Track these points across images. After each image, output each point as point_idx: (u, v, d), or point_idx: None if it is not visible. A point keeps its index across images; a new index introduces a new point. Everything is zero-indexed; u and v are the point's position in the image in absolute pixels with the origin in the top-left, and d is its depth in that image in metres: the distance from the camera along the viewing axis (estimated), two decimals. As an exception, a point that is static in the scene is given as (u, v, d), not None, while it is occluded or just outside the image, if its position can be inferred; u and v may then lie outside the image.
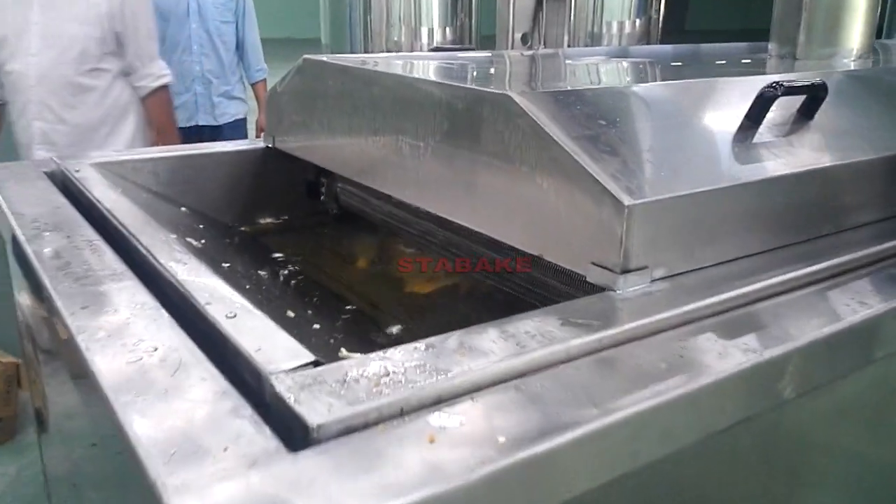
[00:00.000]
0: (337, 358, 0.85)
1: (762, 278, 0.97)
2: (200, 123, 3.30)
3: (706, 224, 0.99)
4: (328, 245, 1.54)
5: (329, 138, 1.47)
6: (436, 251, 1.36)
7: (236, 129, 3.43)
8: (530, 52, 2.10)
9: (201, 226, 1.44)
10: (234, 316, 0.82)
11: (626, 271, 0.91)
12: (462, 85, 1.12)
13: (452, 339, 0.78)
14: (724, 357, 0.79)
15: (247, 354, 0.74)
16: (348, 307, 1.16)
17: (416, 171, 1.22)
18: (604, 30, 3.75)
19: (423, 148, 1.19)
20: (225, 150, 1.69)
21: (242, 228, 1.66)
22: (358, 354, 0.85)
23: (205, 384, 0.72)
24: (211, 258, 1.11)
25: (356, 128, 1.37)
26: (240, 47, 3.39)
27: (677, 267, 0.97)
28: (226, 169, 1.68)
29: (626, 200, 0.89)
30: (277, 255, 1.45)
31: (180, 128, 3.24)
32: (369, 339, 1.02)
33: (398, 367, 0.72)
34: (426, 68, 1.48)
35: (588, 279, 0.95)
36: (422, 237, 1.45)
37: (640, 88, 1.14)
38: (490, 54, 1.92)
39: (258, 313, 0.83)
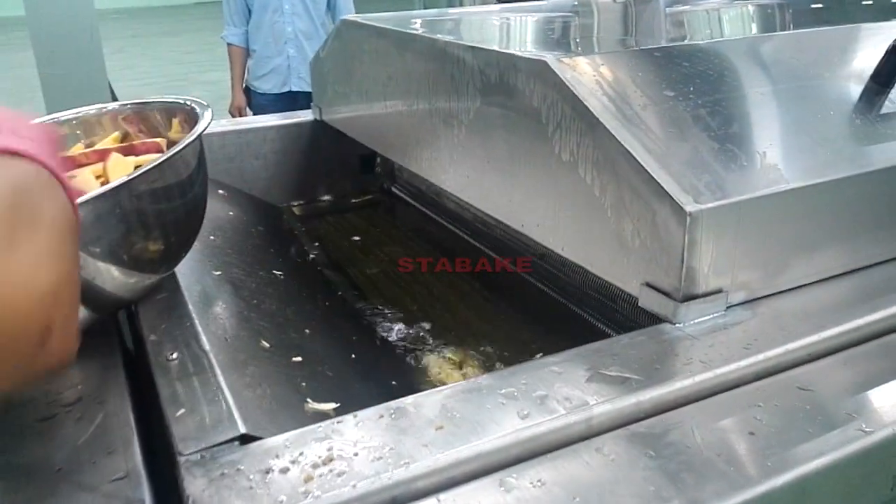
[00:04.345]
0: (301, 407, 0.68)
1: (882, 302, 0.71)
2: (294, 89, 3.14)
3: (808, 229, 0.74)
4: (369, 234, 1.37)
5: (368, 112, 1.28)
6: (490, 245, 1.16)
7: None
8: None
9: (231, 212, 1.30)
10: (175, 358, 0.66)
11: (689, 298, 0.68)
12: (493, 49, 0.90)
13: (434, 401, 0.59)
14: (817, 436, 0.55)
15: (167, 419, 0.58)
16: (363, 318, 0.99)
17: (449, 154, 1.02)
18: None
19: (457, 127, 0.99)
20: (269, 124, 1.54)
21: (293, 209, 1.52)
22: (331, 406, 0.68)
23: (111, 460, 0.56)
24: (218, 258, 0.96)
25: (392, 101, 1.18)
26: (331, 5, 3.22)
27: (764, 288, 0.73)
28: (270, 145, 1.53)
29: (689, 206, 0.66)
30: (311, 244, 1.29)
31: (273, 94, 3.14)
32: (368, 377, 0.84)
33: (346, 447, 0.54)
34: (472, 26, 1.26)
35: (640, 304, 0.73)
36: (477, 227, 1.25)
37: (723, 44, 0.88)
38: (576, 2, 1.66)
39: (205, 350, 0.66)
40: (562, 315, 1.02)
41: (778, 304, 0.73)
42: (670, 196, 0.67)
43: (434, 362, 0.92)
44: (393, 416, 0.57)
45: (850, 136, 0.80)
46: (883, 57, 0.85)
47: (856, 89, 0.86)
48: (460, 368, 0.91)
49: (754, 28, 1.28)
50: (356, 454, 0.53)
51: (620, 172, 0.72)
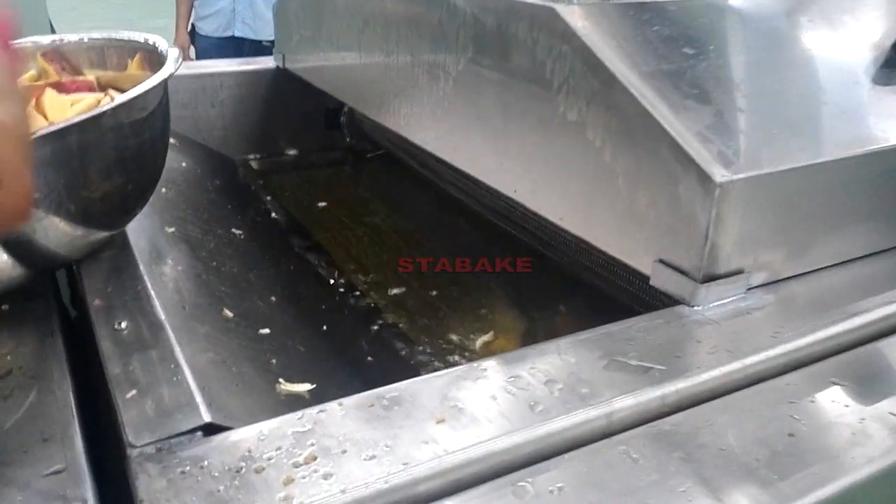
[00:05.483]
0: (272, 389, 0.59)
1: (912, 289, 0.66)
2: (237, 34, 2.97)
3: (834, 206, 0.68)
4: (335, 195, 1.28)
5: (339, 61, 1.18)
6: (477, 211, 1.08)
7: None
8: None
9: (184, 164, 1.18)
10: (124, 328, 0.56)
11: (709, 278, 0.62)
12: (492, -8, 0.81)
13: (432, 388, 0.51)
14: (862, 439, 0.49)
15: (116, 402, 0.49)
16: (345, 291, 0.90)
17: (432, 110, 0.93)
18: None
19: (443, 80, 0.90)
20: (227, 69, 1.42)
21: (250, 162, 1.41)
22: (306, 387, 0.60)
23: (46, 448, 0.47)
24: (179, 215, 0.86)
25: (367, 48, 1.08)
26: None
27: (784, 270, 0.67)
28: (228, 92, 1.41)
29: (719, 175, 0.59)
30: (272, 201, 1.19)
31: (216, 37, 2.97)
32: (345, 346, 0.76)
33: (332, 443, 0.46)
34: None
35: (653, 283, 0.66)
36: (456, 188, 1.17)
37: (749, 1, 0.81)
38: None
39: (160, 319, 0.57)
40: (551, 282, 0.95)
41: (798, 287, 0.67)
42: (697, 164, 0.60)
43: (412, 334, 0.84)
44: (385, 405, 0.49)
45: (878, 106, 0.74)
46: (910, 25, 0.79)
47: (878, 56, 0.80)
48: (441, 342, 0.84)
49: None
50: (344, 451, 0.45)
51: (638, 136, 0.64)
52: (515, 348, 0.84)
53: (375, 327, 0.85)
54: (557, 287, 0.93)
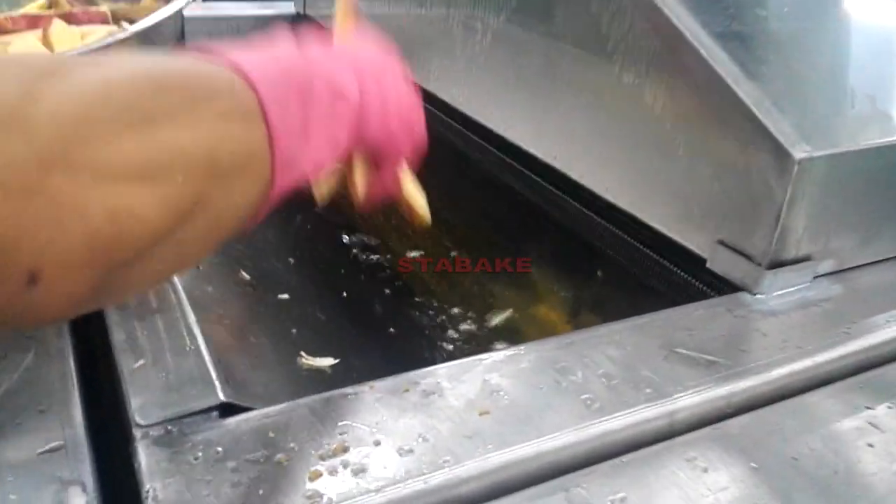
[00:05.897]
0: (293, 362, 0.54)
1: None
2: None
3: (910, 192, 0.62)
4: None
5: (365, 7, 1.11)
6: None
7: None
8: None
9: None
10: (132, 288, 0.51)
11: (777, 265, 0.56)
12: (544, -63, 0.74)
13: (473, 375, 0.46)
14: (952, 456, 0.44)
15: (121, 373, 0.44)
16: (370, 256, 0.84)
17: (466, 65, 0.86)
18: None
19: (481, 33, 0.83)
20: (244, 13, 1.34)
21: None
22: (328, 361, 0.55)
23: (43, 421, 0.42)
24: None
25: (398, -5, 1.01)
26: None
27: (853, 258, 0.61)
28: (244, 38, 1.34)
29: (798, 151, 0.53)
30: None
31: None
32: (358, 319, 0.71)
33: (364, 432, 0.40)
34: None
35: (710, 266, 0.60)
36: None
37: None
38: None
39: (171, 280, 0.51)
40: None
41: (866, 278, 0.61)
42: (774, 137, 0.54)
43: (432, 301, 0.79)
44: (423, 391, 0.44)
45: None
46: None
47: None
48: (461, 309, 0.78)
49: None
50: (377, 442, 0.40)
51: (706, 103, 0.58)
52: (536, 320, 0.79)
53: (393, 293, 0.80)
54: (589, 262, 0.88)
